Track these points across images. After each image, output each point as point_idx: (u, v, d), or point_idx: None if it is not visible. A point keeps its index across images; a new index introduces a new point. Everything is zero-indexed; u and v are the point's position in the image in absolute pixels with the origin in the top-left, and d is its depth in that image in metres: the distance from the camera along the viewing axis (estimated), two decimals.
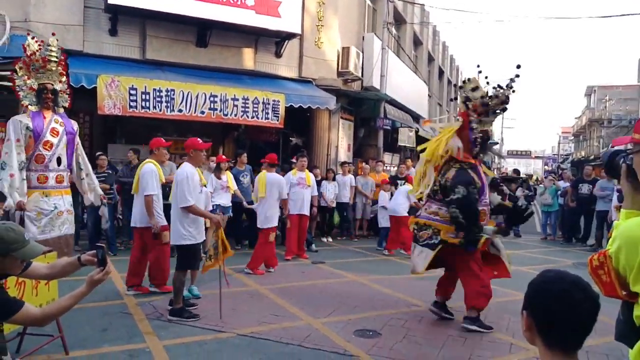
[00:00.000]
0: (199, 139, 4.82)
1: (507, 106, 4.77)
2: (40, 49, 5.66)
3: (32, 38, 5.80)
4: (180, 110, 8.48)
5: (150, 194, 5.15)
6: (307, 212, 7.81)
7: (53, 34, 6.05)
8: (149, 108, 8.21)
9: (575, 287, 1.21)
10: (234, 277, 6.31)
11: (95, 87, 7.83)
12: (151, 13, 8.64)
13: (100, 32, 8.77)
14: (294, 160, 8.78)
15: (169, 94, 8.38)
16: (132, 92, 8.08)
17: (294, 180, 7.70)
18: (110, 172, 7.67)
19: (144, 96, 8.16)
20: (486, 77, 4.81)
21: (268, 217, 6.71)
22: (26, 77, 5.63)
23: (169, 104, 8.37)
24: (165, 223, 5.17)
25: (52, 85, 5.76)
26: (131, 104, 8.06)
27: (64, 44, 8.43)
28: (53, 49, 5.71)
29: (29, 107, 5.67)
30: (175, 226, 4.64)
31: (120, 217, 7.87)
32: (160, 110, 8.33)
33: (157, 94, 8.28)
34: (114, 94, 7.91)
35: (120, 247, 7.79)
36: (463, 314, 4.68)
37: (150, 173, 5.23)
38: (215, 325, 4.40)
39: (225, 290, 4.83)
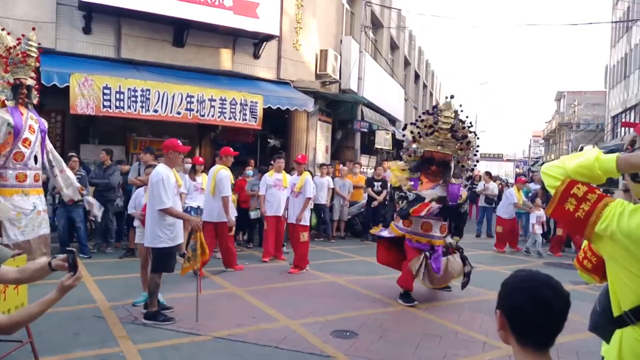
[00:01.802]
0: (178, 141, 4.79)
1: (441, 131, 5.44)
2: (19, 42, 5.46)
3: (2, 29, 5.60)
4: (155, 111, 8.36)
5: (227, 195, 6.34)
6: (283, 213, 7.79)
7: (33, 29, 5.83)
8: (123, 108, 8.06)
9: (546, 286, 1.25)
10: (211, 279, 6.26)
11: (68, 86, 7.64)
12: (127, 11, 8.50)
13: (74, 30, 8.58)
14: (273, 162, 8.77)
15: (144, 93, 8.25)
16: (106, 91, 7.92)
17: (271, 182, 7.60)
18: (83, 173, 7.47)
19: (118, 96, 8.01)
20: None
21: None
22: (2, 70, 5.43)
23: (144, 104, 8.24)
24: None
25: (26, 80, 5.59)
26: (105, 103, 7.90)
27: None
28: (32, 43, 5.53)
29: (6, 102, 5.45)
30: (152, 228, 4.55)
31: (93, 219, 7.67)
32: (135, 110, 8.19)
33: (132, 93, 8.15)
34: (87, 93, 7.74)
35: (93, 249, 7.61)
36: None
37: (226, 178, 6.37)
38: (192, 329, 4.34)
39: (202, 293, 4.78)
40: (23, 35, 5.55)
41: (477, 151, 5.84)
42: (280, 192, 7.56)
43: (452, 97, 5.60)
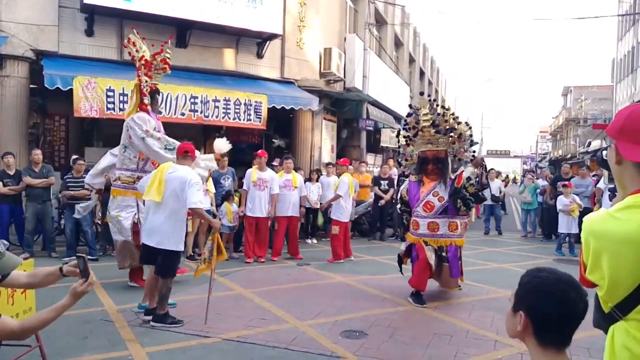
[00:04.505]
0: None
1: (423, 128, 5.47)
2: (162, 50, 5.56)
3: (143, 39, 5.64)
4: (159, 112, 8.30)
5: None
6: (295, 213, 7.81)
7: (168, 40, 5.90)
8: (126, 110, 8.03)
9: (571, 287, 1.26)
10: (219, 281, 6.21)
11: (71, 89, 7.62)
12: (129, 13, 8.47)
13: (76, 33, 8.57)
14: (275, 163, 8.72)
15: None
16: (110, 93, 7.90)
17: (281, 183, 7.70)
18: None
19: (121, 98, 7.98)
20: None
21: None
22: (147, 76, 5.52)
23: None
24: None
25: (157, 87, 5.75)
26: (109, 105, 7.88)
27: (37, 45, 8.24)
28: (169, 52, 5.64)
29: (148, 107, 5.56)
30: (175, 230, 4.43)
31: (99, 222, 7.66)
32: None
33: None
34: (91, 96, 7.72)
35: (99, 252, 7.59)
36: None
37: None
38: (200, 331, 4.30)
39: (210, 295, 4.73)
40: (166, 42, 5.71)
41: (472, 141, 5.89)
42: (291, 192, 7.65)
43: (421, 93, 5.97)
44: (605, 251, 1.32)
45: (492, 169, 13.19)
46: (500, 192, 11.80)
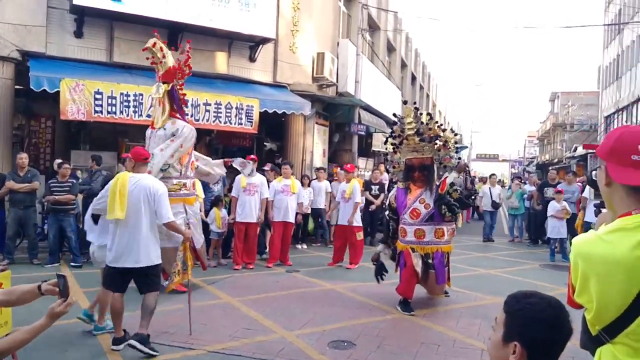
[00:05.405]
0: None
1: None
2: (189, 57, 5.54)
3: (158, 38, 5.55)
4: (149, 116, 8.18)
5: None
6: (291, 219, 7.80)
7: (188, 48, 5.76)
8: (115, 113, 7.92)
9: (561, 311, 1.28)
10: (205, 289, 6.12)
11: (58, 91, 7.48)
12: (119, 15, 8.36)
13: (65, 34, 8.43)
14: (266, 168, 8.66)
15: (137, 98, 8.11)
16: (98, 96, 7.77)
17: (279, 188, 7.74)
18: (74, 181, 7.32)
19: (110, 100, 7.86)
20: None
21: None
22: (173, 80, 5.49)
23: (137, 109, 8.10)
24: None
25: None
26: (96, 108, 7.76)
27: (24, 45, 8.10)
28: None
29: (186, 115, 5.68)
30: (153, 243, 4.08)
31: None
32: (128, 115, 8.05)
33: (125, 98, 8.00)
34: (78, 98, 7.59)
35: (84, 259, 7.44)
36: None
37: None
38: (184, 343, 4.20)
39: (195, 304, 4.64)
40: (188, 50, 5.63)
41: (457, 147, 5.92)
42: (288, 197, 7.70)
43: (405, 102, 6.04)
44: (593, 274, 1.30)
45: (493, 174, 13.25)
46: (500, 199, 11.84)
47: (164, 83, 5.39)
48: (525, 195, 11.47)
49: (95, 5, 8.05)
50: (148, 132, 5.62)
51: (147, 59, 5.52)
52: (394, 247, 5.80)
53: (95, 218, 4.38)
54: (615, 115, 25.41)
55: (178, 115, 5.51)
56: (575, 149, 26.85)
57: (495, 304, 5.58)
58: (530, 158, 58.08)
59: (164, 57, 5.38)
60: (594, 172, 1.56)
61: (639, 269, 1.25)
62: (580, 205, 8.74)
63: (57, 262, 7.18)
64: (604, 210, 1.77)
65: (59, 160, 7.59)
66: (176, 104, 5.45)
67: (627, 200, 1.37)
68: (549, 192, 10.49)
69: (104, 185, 4.54)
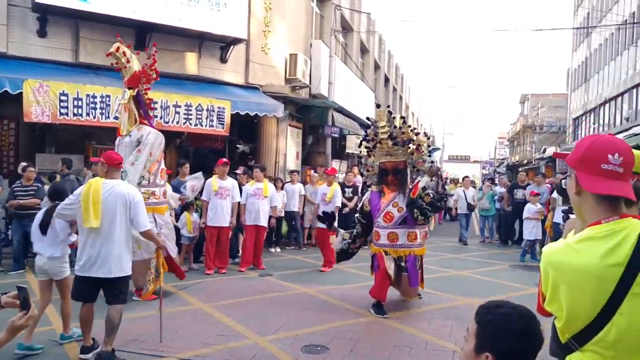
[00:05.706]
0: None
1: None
2: (155, 61, 5.43)
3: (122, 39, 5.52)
4: (116, 118, 7.99)
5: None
6: (263, 223, 7.72)
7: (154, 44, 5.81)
8: (81, 115, 7.71)
9: (532, 320, 1.28)
10: (177, 294, 6.01)
11: (21, 93, 7.22)
12: (85, 14, 8.13)
13: (27, 33, 8.14)
14: (239, 171, 8.58)
15: (104, 99, 7.90)
16: (63, 97, 7.55)
17: (251, 191, 7.66)
18: (39, 185, 7.07)
19: (76, 102, 7.65)
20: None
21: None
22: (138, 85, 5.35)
23: (104, 111, 7.90)
24: None
25: None
26: (62, 110, 7.53)
27: None
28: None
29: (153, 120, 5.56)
30: (125, 252, 3.92)
31: None
32: (95, 117, 7.84)
33: (91, 99, 7.79)
34: (42, 100, 7.35)
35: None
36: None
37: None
38: (155, 350, 4.12)
39: (167, 311, 4.56)
40: (154, 54, 5.56)
41: (430, 151, 6.04)
42: (260, 201, 7.61)
43: (378, 106, 6.19)
44: (563, 282, 1.32)
45: (466, 176, 13.48)
46: (474, 201, 12.08)
47: (129, 88, 5.26)
48: (496, 197, 11.75)
49: (59, 4, 7.81)
50: (117, 140, 5.52)
51: (112, 64, 5.45)
52: (356, 245, 6.02)
53: (44, 228, 4.18)
54: (583, 117, 26.29)
55: (145, 121, 5.40)
56: (545, 150, 27.58)
57: (467, 305, 5.70)
58: (501, 159, 59.50)
59: (128, 62, 5.27)
60: (563, 181, 1.58)
61: (608, 278, 1.27)
62: (550, 206, 9.01)
63: (22, 269, 6.92)
64: (572, 216, 1.82)
65: (24, 164, 7.30)
66: (142, 110, 5.33)
67: (596, 209, 1.38)
68: (519, 193, 10.79)
69: (71, 191, 4.34)
